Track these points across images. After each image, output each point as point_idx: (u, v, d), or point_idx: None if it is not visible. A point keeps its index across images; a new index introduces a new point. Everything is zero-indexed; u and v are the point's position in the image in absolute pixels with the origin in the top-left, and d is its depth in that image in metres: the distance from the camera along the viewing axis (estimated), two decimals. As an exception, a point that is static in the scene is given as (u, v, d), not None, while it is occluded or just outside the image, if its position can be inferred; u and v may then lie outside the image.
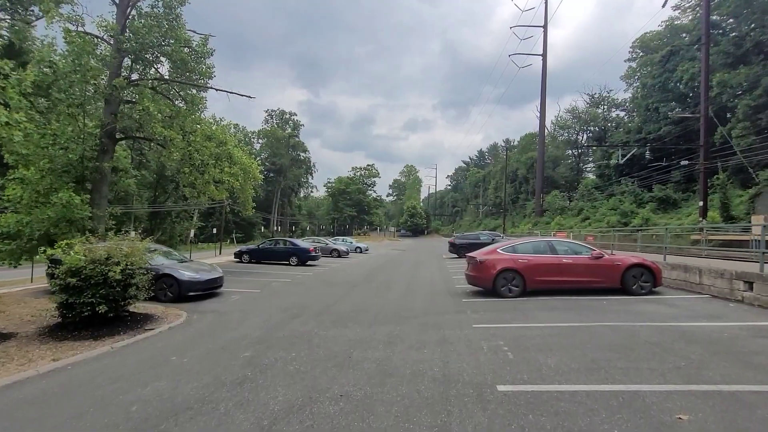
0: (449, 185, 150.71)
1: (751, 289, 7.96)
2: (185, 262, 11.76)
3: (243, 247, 24.75)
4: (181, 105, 15.79)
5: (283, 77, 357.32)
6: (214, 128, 16.96)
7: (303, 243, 23.83)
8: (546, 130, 56.00)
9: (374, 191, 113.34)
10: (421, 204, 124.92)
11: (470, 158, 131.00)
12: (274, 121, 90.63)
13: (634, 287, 9.23)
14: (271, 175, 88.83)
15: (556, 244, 9.87)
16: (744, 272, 8.22)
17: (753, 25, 34.05)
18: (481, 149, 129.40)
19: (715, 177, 28.77)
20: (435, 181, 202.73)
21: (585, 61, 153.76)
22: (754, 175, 28.37)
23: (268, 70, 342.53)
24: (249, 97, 15.67)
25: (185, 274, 10.22)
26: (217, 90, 15.57)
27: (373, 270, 18.66)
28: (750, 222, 24.20)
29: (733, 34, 35.77)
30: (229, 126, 17.75)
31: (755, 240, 18.20)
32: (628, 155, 30.41)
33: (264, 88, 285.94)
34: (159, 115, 13.72)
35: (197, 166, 15.99)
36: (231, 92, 15.38)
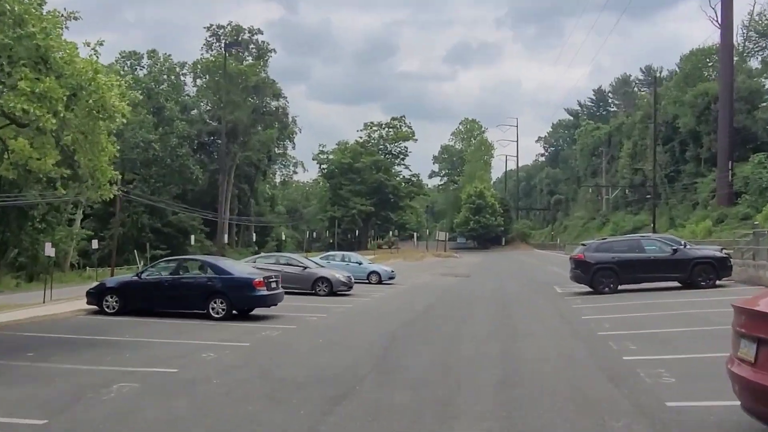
0: (541, 155, 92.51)
1: None
2: None
3: (108, 279, 13.02)
4: None
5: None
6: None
7: (241, 266, 11.52)
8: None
9: (406, 166, 67.17)
10: (493, 190, 73.03)
11: (579, 104, 79.54)
12: (221, 44, 50.16)
13: None
14: (218, 141, 47.36)
15: None
16: None
17: None
18: (600, 86, 79.38)
19: None
20: (516, 148, 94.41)
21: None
22: None
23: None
24: None
25: None
26: None
27: (396, 355, 5.43)
28: None
29: None
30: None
31: None
32: None
33: (207, 1, 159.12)
34: None
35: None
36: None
